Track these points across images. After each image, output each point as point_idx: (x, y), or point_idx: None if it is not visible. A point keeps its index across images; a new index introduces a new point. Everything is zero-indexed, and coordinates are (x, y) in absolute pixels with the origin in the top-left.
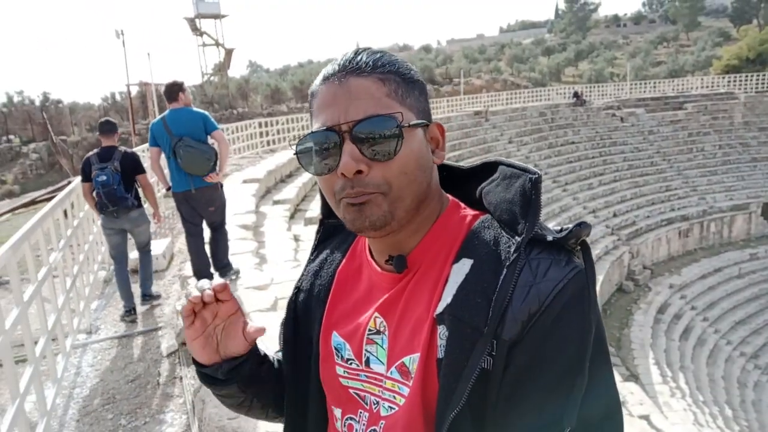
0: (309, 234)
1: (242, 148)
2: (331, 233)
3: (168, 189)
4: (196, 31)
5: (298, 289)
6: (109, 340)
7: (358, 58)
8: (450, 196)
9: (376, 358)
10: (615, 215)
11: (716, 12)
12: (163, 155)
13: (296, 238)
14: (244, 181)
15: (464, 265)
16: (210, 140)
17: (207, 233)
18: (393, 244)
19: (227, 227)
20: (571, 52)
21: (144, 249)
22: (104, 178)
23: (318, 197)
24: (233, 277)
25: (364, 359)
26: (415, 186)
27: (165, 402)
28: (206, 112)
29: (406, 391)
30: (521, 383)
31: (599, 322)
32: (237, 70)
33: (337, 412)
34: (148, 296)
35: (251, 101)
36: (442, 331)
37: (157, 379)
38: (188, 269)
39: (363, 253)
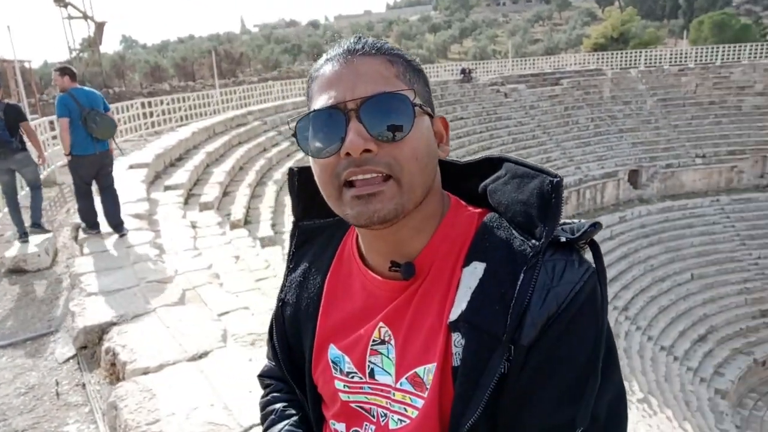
0: (206, 220)
1: (124, 131)
2: (309, 237)
3: (68, 155)
4: (60, 1)
5: (282, 302)
6: None
7: (363, 41)
8: (448, 194)
9: (382, 369)
10: None
11: None
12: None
13: (193, 225)
14: (131, 167)
15: (477, 269)
16: None
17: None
18: (395, 245)
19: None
20: (455, 29)
21: (34, 186)
22: None
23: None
24: (125, 233)
25: (368, 371)
26: (425, 175)
27: (67, 413)
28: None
29: (419, 402)
30: (535, 384)
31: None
32: (110, 46)
33: (340, 427)
34: (37, 225)
35: (128, 79)
36: (456, 338)
37: (55, 388)
38: (78, 267)
39: (352, 259)
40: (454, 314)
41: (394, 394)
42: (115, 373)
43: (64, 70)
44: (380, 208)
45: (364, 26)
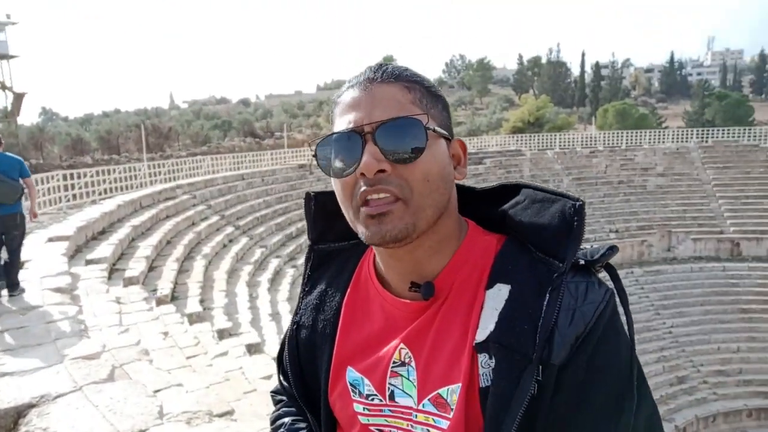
0: (131, 295)
1: (43, 203)
2: (324, 260)
3: None
4: None
5: (297, 325)
6: None
7: (384, 68)
8: (466, 219)
9: (402, 391)
10: None
11: (502, 81)
12: None
13: (118, 300)
14: (50, 240)
15: (501, 291)
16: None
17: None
18: (412, 265)
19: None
20: None
21: None
22: None
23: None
24: (19, 294)
25: (387, 393)
26: (437, 196)
27: None
28: (22, 159)
29: (443, 423)
30: (572, 408)
31: None
32: (28, 118)
33: None
34: None
35: (47, 152)
36: (483, 359)
37: None
38: None
39: (369, 282)
40: (481, 335)
41: (416, 416)
42: None
43: None
44: (391, 228)
45: (295, 105)
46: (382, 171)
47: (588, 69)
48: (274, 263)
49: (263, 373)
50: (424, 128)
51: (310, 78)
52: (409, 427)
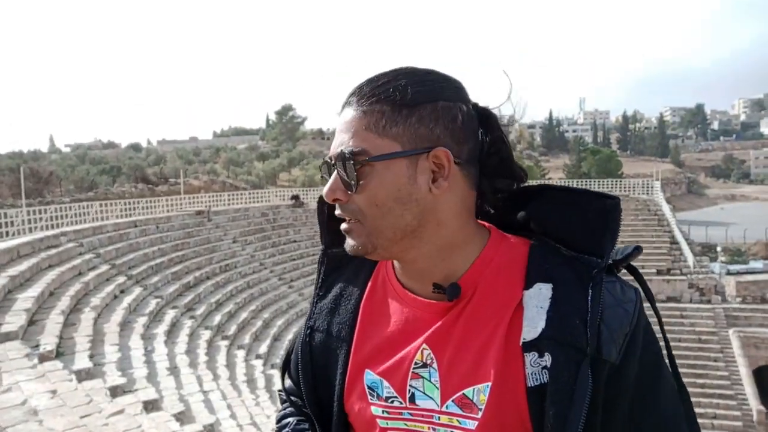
0: (10, 352)
1: None
2: (339, 264)
3: None
4: None
5: (311, 329)
6: None
7: (363, 86)
8: (483, 223)
9: (423, 393)
10: None
11: None
12: None
13: None
14: None
15: (542, 290)
16: None
17: None
18: (428, 270)
19: None
20: (284, 158)
21: None
22: None
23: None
24: None
25: (408, 395)
26: (392, 218)
27: None
28: None
29: (470, 424)
30: (641, 406)
31: None
32: None
33: None
34: None
35: None
36: (532, 358)
37: None
38: None
39: (387, 284)
40: (531, 334)
41: (438, 418)
42: None
43: None
44: (354, 243)
45: (190, 152)
46: (337, 199)
47: None
48: (170, 314)
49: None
50: (352, 163)
51: (206, 124)
52: (431, 430)
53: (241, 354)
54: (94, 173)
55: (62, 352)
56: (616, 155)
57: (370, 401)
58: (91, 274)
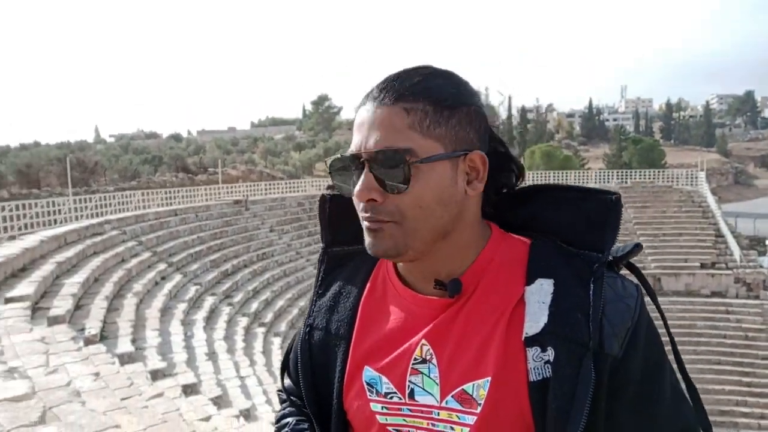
0: (57, 335)
1: None
2: (338, 263)
3: None
4: None
5: (310, 327)
6: None
7: (395, 82)
8: (487, 221)
9: (423, 389)
10: None
11: None
12: None
13: (43, 341)
14: None
15: (543, 285)
16: None
17: None
18: (433, 269)
19: None
20: (320, 148)
21: None
22: None
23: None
24: None
25: (407, 391)
26: (433, 220)
27: None
28: None
29: (469, 419)
30: (646, 402)
31: None
32: None
33: None
34: None
35: None
36: (534, 353)
37: None
38: None
39: (387, 282)
40: (534, 329)
41: (437, 414)
42: None
43: None
44: (383, 244)
45: (229, 142)
46: (373, 200)
47: (514, 112)
48: (209, 301)
49: (201, 415)
50: (407, 162)
51: (244, 114)
52: (430, 426)
53: (277, 341)
54: (136, 163)
55: (106, 336)
56: (659, 144)
57: (369, 397)
58: (134, 261)
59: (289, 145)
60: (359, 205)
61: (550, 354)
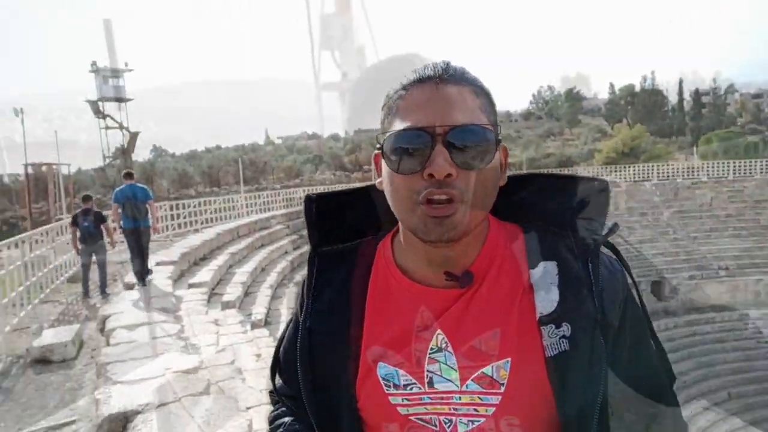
0: (228, 318)
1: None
2: (330, 263)
3: (120, 226)
4: (99, 113)
5: (309, 330)
6: None
7: (452, 68)
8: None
9: (442, 377)
10: None
11: (593, 111)
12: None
13: (216, 322)
14: (158, 264)
15: (548, 267)
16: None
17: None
18: (449, 258)
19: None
20: None
21: (102, 264)
22: (86, 224)
23: (297, 230)
24: (147, 283)
25: (426, 381)
26: (489, 200)
27: None
28: (146, 187)
29: (493, 399)
30: (637, 353)
31: None
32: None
33: None
34: (105, 291)
35: (156, 185)
36: (549, 330)
37: None
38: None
39: (389, 276)
40: (548, 308)
41: (459, 398)
42: None
43: (125, 174)
44: (451, 229)
45: None
46: (449, 175)
47: (687, 96)
48: None
49: None
50: (495, 139)
51: None
52: (452, 411)
53: None
54: (299, 162)
55: (270, 321)
56: None
57: (387, 392)
58: (295, 253)
59: None
60: (420, 185)
61: (566, 329)
